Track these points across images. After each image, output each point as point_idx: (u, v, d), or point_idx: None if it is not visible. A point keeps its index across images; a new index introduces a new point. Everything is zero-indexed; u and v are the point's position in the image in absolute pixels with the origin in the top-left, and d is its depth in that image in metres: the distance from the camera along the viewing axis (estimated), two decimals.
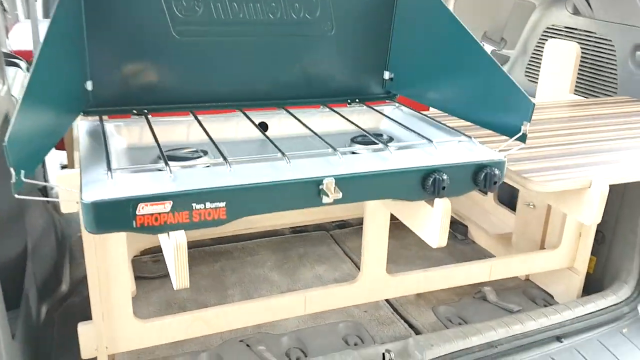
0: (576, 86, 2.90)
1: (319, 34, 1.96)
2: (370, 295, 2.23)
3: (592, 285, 2.54)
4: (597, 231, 2.50)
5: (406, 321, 2.41)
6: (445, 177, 1.49)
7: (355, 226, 3.18)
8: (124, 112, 1.82)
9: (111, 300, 1.84)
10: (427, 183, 1.49)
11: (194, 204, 1.30)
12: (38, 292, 2.17)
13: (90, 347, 1.86)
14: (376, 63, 2.07)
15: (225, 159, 1.45)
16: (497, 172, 1.55)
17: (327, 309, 2.20)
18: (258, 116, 1.97)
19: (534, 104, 1.56)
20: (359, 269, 2.25)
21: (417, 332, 2.33)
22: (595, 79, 2.92)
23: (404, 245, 2.96)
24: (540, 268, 2.49)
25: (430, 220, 1.58)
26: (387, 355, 1.98)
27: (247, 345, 2.16)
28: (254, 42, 1.90)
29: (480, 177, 1.54)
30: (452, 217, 3.29)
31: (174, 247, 1.30)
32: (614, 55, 2.81)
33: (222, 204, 1.33)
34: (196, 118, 1.84)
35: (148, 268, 2.72)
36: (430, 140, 1.69)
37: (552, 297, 2.61)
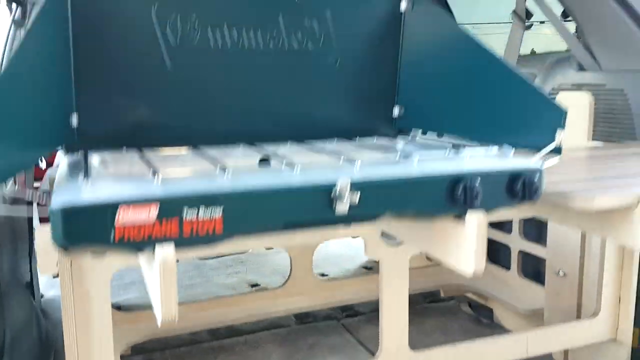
0: (593, 137, 2.73)
1: (323, 65, 1.83)
2: None
3: None
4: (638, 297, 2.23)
5: None
6: (477, 184, 1.28)
7: (367, 314, 2.88)
8: (113, 148, 1.63)
9: None
10: (457, 192, 1.27)
11: (185, 211, 1.07)
12: None
13: None
14: (384, 97, 1.90)
15: (223, 168, 1.25)
16: (535, 180, 1.34)
17: None
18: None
19: (566, 111, 1.40)
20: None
21: None
22: (611, 128, 2.77)
23: (424, 331, 2.63)
24: (582, 340, 2.18)
25: (462, 241, 1.33)
26: None
27: None
28: (253, 74, 1.76)
29: (517, 186, 1.33)
30: (474, 300, 2.99)
31: (160, 263, 1.05)
32: (628, 104, 2.70)
33: (219, 213, 1.10)
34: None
35: None
36: (458, 147, 1.50)
37: None
